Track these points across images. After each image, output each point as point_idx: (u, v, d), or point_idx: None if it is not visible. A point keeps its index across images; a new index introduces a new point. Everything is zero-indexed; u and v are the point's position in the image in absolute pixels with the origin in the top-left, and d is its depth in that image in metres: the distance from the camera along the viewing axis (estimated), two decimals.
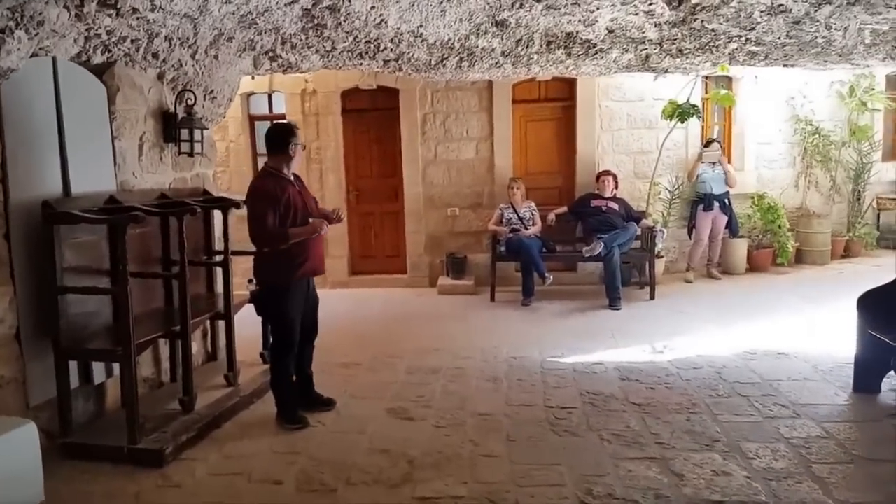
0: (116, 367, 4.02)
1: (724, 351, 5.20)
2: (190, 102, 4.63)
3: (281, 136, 3.94)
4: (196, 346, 5.00)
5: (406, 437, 3.81)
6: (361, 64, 5.36)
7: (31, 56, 3.53)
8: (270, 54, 4.94)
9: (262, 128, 8.03)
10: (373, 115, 8.05)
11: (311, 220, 3.95)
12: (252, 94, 8.07)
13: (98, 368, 3.95)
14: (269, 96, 8.15)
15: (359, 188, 8.13)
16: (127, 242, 3.96)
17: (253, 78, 5.73)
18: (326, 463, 3.53)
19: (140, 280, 4.11)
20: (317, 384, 4.43)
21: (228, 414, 4.17)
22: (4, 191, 3.44)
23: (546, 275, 6.84)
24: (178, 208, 4.09)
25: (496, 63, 5.68)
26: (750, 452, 3.49)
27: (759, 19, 4.73)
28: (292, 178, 4.01)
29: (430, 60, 5.45)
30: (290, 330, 3.98)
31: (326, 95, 7.84)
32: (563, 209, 7.55)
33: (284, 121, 4.38)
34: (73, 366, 3.75)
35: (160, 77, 4.52)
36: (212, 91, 4.89)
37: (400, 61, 5.36)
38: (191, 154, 4.66)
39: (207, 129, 4.82)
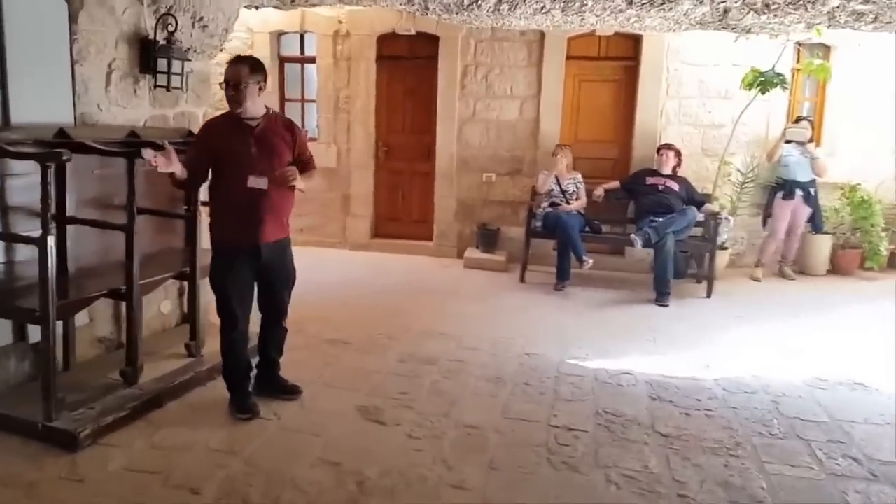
0: (60, 325, 3.53)
1: (786, 374, 4.28)
2: (171, 29, 4.00)
3: None
4: (170, 305, 4.49)
5: (367, 448, 3.15)
6: None
7: None
8: None
9: (292, 70, 7.52)
10: (409, 64, 7.25)
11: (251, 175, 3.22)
12: (283, 33, 7.41)
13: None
14: (302, 37, 7.45)
15: (389, 144, 7.40)
16: (79, 184, 3.51)
17: (256, 9, 5.02)
18: (261, 472, 2.90)
19: (91, 230, 3.60)
20: (296, 362, 3.88)
21: (177, 391, 3.60)
22: None
23: (584, 258, 6.02)
24: (133, 149, 3.48)
25: (542, 8, 4.82)
26: None
27: None
28: (255, 120, 3.26)
29: None
30: (224, 301, 3.35)
31: (360, 39, 7.09)
32: (615, 184, 6.66)
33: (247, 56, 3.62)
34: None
35: None
36: (201, 18, 4.24)
37: None
38: (168, 88, 4.05)
39: (189, 60, 4.18)
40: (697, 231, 6.39)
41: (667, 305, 5.80)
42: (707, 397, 3.89)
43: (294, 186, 3.29)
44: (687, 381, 4.13)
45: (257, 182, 3.21)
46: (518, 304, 5.73)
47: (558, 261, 6.24)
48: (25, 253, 3.28)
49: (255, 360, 3.66)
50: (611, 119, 7.07)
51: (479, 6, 4.78)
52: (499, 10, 4.86)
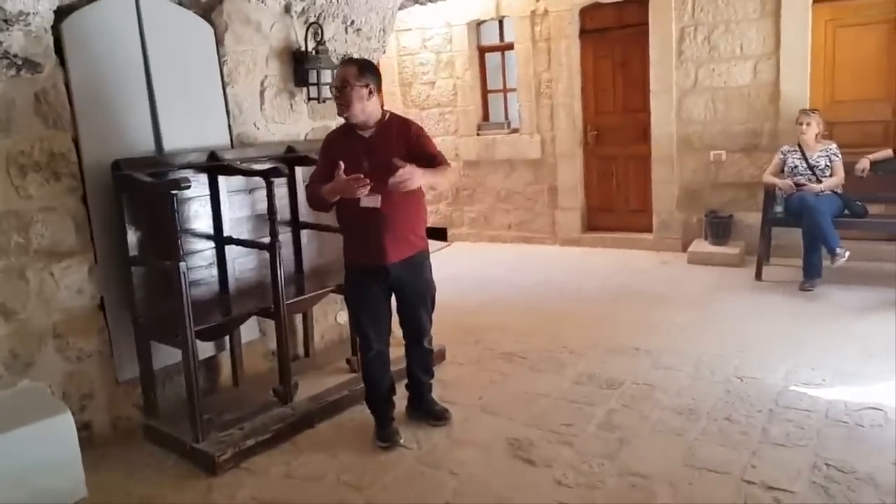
0: (227, 339, 3.66)
1: None
2: (317, 39, 3.89)
3: None
4: (346, 316, 4.44)
5: (503, 494, 2.70)
6: None
7: None
8: None
9: (493, 60, 7.19)
10: (617, 35, 6.42)
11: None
12: (481, 22, 7.08)
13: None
14: (500, 23, 7.04)
15: (598, 127, 6.66)
16: (234, 203, 3.61)
17: (421, 4, 4.74)
18: None
19: (242, 250, 3.64)
20: (461, 378, 3.79)
21: (329, 411, 3.50)
22: (77, 149, 3.15)
23: (838, 250, 4.77)
24: (271, 168, 3.40)
25: None
26: None
27: None
28: (368, 129, 2.96)
29: None
30: (356, 322, 3.25)
31: (559, 15, 6.46)
32: (886, 153, 5.17)
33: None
34: None
35: (287, 9, 3.85)
36: (353, 22, 4.07)
37: None
38: (319, 100, 3.95)
39: (336, 68, 4.02)
40: None
41: None
42: None
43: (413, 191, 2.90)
44: None
45: (370, 201, 2.89)
46: (745, 310, 4.72)
47: (804, 254, 5.06)
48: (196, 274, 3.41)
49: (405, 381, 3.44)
50: (881, 71, 5.51)
51: None
52: None
